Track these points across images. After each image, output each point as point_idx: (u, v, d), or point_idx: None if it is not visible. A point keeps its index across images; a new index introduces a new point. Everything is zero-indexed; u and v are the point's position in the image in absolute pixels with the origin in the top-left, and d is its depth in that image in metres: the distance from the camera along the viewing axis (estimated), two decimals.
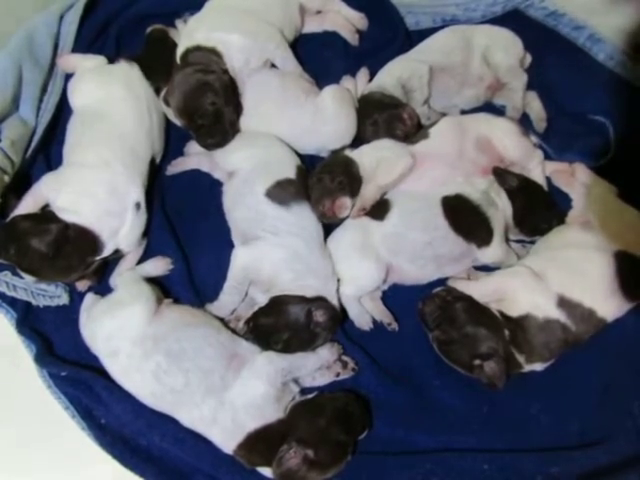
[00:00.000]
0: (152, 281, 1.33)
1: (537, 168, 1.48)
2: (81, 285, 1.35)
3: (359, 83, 1.58)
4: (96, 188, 1.27)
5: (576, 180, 1.46)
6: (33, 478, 1.30)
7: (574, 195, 1.45)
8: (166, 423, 1.19)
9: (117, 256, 1.34)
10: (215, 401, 1.15)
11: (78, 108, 1.41)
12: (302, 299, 1.25)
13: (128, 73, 1.44)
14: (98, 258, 1.28)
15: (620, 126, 1.54)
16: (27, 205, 1.27)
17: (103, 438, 1.23)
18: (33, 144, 1.43)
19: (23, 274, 1.25)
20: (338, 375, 1.27)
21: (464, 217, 1.36)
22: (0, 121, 1.37)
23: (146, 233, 1.38)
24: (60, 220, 1.23)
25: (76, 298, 1.34)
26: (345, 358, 1.29)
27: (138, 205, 1.32)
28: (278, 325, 1.23)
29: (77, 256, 1.24)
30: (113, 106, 1.37)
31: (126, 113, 1.37)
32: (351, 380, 1.29)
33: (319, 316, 1.23)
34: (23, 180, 1.38)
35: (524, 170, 1.47)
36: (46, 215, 1.25)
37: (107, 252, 1.28)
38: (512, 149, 1.45)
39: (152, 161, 1.41)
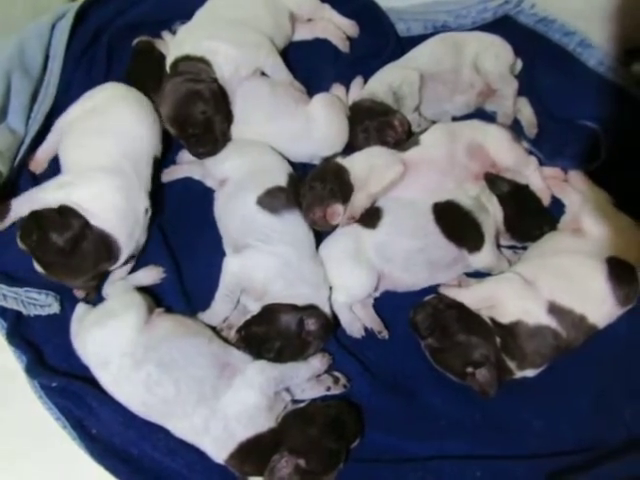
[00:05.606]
0: (144, 290, 1.32)
1: (534, 174, 1.47)
2: (79, 292, 1.34)
3: (353, 91, 1.58)
4: (114, 194, 1.27)
5: (568, 186, 1.46)
6: None
7: (567, 201, 1.45)
8: (157, 433, 1.19)
9: None
10: (207, 410, 1.15)
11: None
12: (294, 308, 1.25)
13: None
14: (111, 268, 1.28)
15: (611, 131, 1.54)
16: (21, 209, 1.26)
17: (94, 449, 1.22)
18: (20, 153, 1.42)
19: (35, 264, 1.24)
20: (329, 389, 1.26)
21: (455, 223, 1.36)
22: None
23: None
24: (82, 216, 1.22)
25: (67, 307, 1.33)
26: (337, 374, 1.28)
27: (147, 211, 1.33)
28: (270, 334, 1.23)
29: (92, 259, 1.24)
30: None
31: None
32: None
33: (311, 324, 1.23)
34: (10, 189, 1.37)
35: (521, 177, 1.46)
36: (72, 211, 1.23)
37: (121, 261, 1.28)
38: (504, 155, 1.45)
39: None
